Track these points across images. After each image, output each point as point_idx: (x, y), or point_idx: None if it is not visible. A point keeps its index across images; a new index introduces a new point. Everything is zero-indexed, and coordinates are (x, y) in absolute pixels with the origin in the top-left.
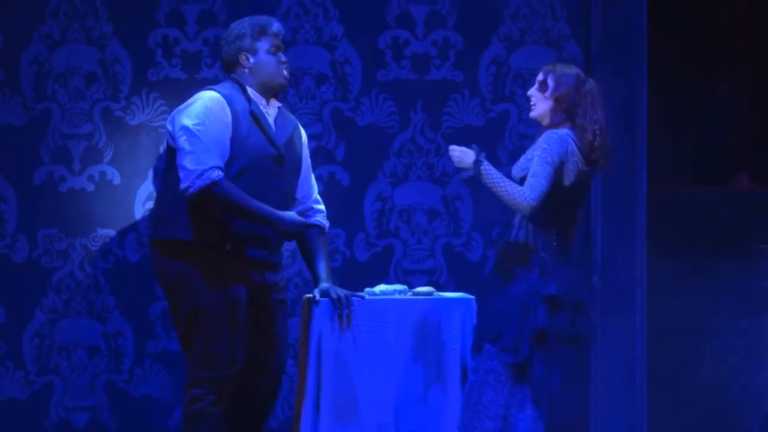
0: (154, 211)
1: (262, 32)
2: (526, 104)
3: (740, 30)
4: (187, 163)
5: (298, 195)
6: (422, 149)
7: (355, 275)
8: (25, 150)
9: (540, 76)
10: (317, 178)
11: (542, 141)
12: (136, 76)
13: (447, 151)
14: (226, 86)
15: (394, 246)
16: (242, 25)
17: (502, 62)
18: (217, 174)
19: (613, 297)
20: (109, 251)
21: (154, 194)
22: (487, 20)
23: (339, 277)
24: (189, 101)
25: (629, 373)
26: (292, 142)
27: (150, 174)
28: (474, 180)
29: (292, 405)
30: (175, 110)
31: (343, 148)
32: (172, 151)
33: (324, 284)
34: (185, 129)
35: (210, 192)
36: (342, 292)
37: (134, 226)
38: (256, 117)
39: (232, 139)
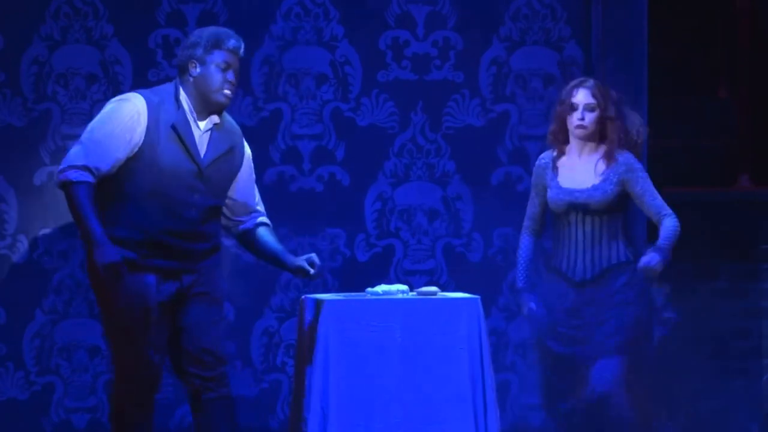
0: None
1: (216, 45)
2: (526, 105)
3: (740, 31)
4: (70, 151)
5: (239, 206)
6: (422, 150)
7: (356, 276)
8: (26, 150)
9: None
10: (317, 179)
11: (631, 163)
12: (136, 76)
13: (447, 151)
14: (162, 91)
15: (395, 246)
16: (200, 34)
17: (502, 63)
18: (78, 175)
19: None
20: None
21: None
22: (488, 21)
23: (339, 277)
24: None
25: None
26: (225, 160)
27: None
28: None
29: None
30: None
31: (343, 148)
32: None
33: (305, 256)
34: (93, 120)
35: (64, 189)
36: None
37: None
38: (177, 131)
39: (143, 147)
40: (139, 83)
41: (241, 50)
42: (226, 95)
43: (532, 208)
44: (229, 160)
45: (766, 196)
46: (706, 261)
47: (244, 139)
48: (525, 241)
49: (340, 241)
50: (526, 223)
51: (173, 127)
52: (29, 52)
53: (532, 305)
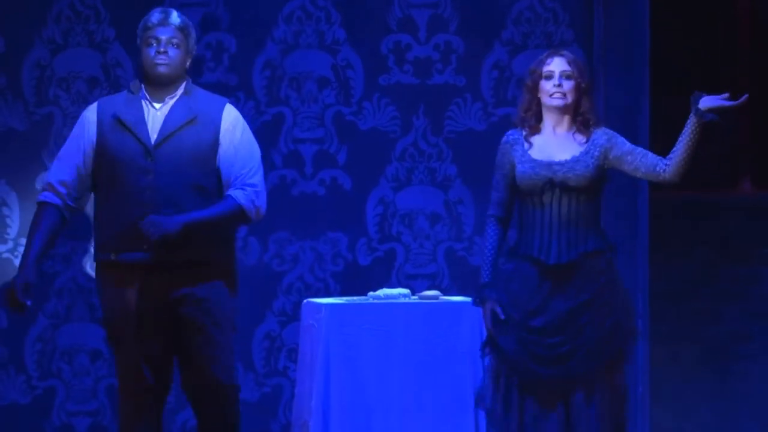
0: None
1: (143, 29)
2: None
3: (741, 33)
4: None
5: (224, 178)
6: (424, 153)
7: (358, 280)
8: (27, 154)
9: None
10: (319, 182)
11: (609, 131)
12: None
13: (449, 155)
14: (126, 90)
15: (396, 250)
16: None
17: (504, 66)
18: (41, 196)
19: None
20: None
21: None
22: (490, 24)
23: (341, 281)
24: None
25: (632, 380)
26: (186, 131)
27: None
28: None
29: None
30: None
31: (345, 152)
32: None
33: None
34: None
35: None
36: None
37: None
38: (119, 118)
39: (97, 146)
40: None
41: (170, 18)
42: (157, 65)
43: (498, 192)
44: (193, 131)
45: (767, 200)
46: (707, 264)
47: (227, 107)
48: (491, 230)
49: (342, 245)
50: (491, 210)
51: (114, 116)
52: (31, 55)
53: (498, 309)
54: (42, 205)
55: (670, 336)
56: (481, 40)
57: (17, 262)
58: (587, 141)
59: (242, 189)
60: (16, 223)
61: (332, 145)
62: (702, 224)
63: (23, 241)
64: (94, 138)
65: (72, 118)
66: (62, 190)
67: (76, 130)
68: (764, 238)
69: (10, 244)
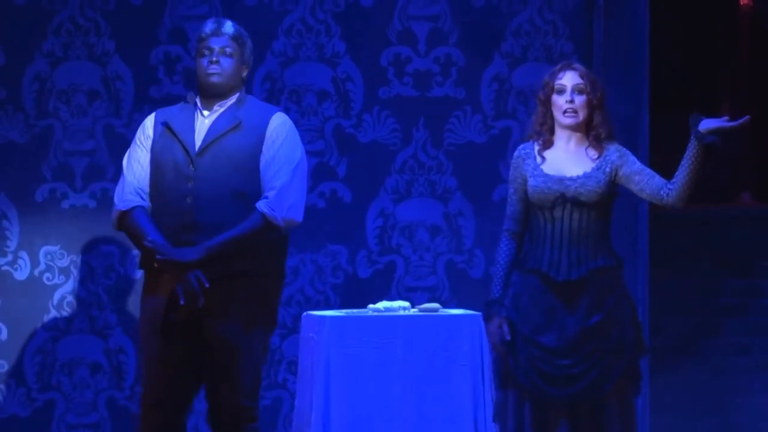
0: None
1: (198, 40)
2: (528, 121)
3: (741, 48)
4: None
5: (262, 183)
6: (424, 166)
7: (357, 292)
8: (27, 167)
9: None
10: (319, 195)
11: (621, 148)
12: (138, 93)
13: (449, 167)
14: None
15: (396, 263)
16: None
17: (504, 79)
18: (128, 202)
19: None
20: (111, 268)
21: None
22: (489, 37)
23: (341, 294)
24: None
25: None
26: (229, 138)
27: None
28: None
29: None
30: None
31: (345, 164)
32: None
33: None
34: None
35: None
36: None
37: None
38: (168, 125)
39: (152, 153)
40: (140, 100)
41: (224, 27)
42: (210, 75)
43: (512, 206)
44: (236, 137)
45: (767, 213)
46: (707, 277)
47: (276, 115)
48: (505, 245)
49: (342, 258)
50: (505, 225)
51: (163, 124)
52: (31, 68)
53: (506, 328)
54: (132, 210)
55: (671, 349)
56: (480, 53)
57: (17, 274)
58: (599, 156)
59: (266, 197)
60: (16, 235)
61: (332, 157)
62: (702, 237)
63: (23, 253)
64: (149, 145)
65: (72, 131)
66: (141, 194)
67: (135, 138)
68: (765, 251)
69: (10, 257)
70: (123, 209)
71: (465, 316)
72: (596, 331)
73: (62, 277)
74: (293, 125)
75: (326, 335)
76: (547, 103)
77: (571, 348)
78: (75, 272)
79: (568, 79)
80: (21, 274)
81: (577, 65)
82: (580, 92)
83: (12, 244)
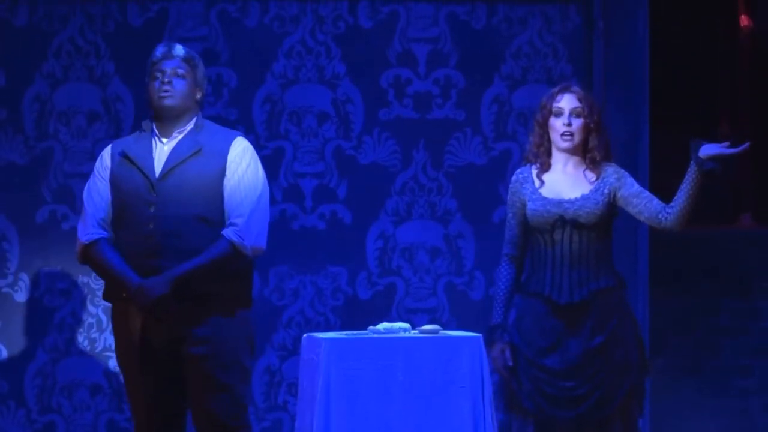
0: None
1: (150, 65)
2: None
3: (741, 68)
4: None
5: (225, 209)
6: (424, 188)
7: (357, 314)
8: (27, 188)
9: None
10: (319, 217)
11: (619, 170)
12: (138, 114)
13: (449, 189)
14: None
15: (396, 284)
16: None
17: (504, 101)
18: (91, 234)
19: None
20: None
21: None
22: (489, 59)
23: (341, 315)
24: None
25: None
26: (190, 163)
27: None
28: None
29: None
30: None
31: (345, 186)
32: None
33: None
34: None
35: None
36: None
37: None
38: (126, 154)
39: (111, 184)
40: (140, 121)
41: (174, 50)
42: (162, 97)
43: (511, 230)
44: (198, 162)
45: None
46: (707, 298)
47: (237, 139)
48: (505, 270)
49: (342, 279)
50: (505, 249)
51: (120, 153)
52: (31, 90)
53: (508, 354)
54: (95, 243)
55: (670, 369)
56: (480, 75)
57: (17, 296)
58: (598, 178)
59: (233, 225)
60: (16, 257)
61: (332, 179)
62: (702, 258)
63: (23, 275)
64: (107, 176)
65: (72, 153)
66: (104, 225)
67: (94, 170)
68: (764, 272)
69: (10, 278)
70: (86, 242)
71: (465, 337)
72: (599, 352)
73: (62, 298)
74: (254, 150)
75: (326, 357)
76: (545, 126)
77: (574, 370)
78: (75, 294)
79: (566, 102)
80: (21, 296)
81: (575, 88)
82: (578, 115)
83: (12, 266)
